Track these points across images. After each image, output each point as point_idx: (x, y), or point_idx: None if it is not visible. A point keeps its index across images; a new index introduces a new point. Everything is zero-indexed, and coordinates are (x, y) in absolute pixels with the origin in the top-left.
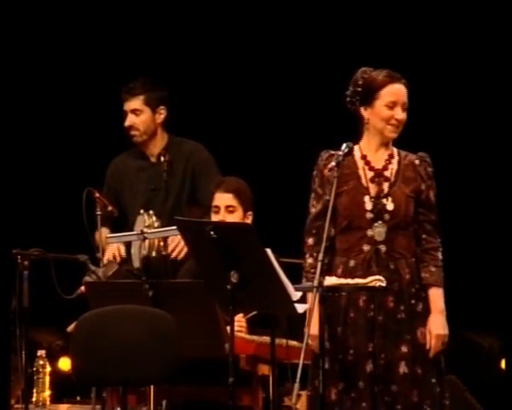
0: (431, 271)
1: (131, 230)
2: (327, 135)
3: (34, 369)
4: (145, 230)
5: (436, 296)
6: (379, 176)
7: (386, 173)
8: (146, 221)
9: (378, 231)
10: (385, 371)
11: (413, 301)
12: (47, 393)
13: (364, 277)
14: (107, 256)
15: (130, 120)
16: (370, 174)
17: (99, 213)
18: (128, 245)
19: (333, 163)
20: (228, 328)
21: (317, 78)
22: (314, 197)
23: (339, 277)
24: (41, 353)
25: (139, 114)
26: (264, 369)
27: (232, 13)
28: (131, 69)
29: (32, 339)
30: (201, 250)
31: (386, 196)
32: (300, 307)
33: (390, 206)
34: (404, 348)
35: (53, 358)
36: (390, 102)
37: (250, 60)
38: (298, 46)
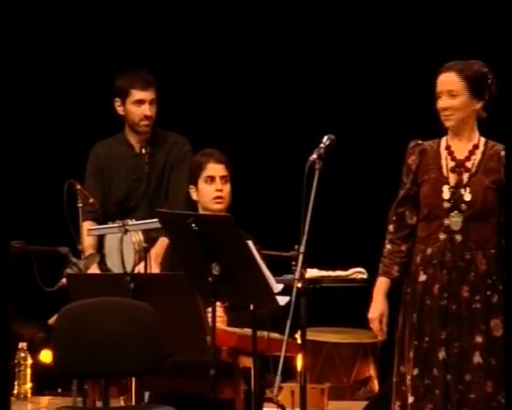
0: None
1: (108, 217)
2: (310, 130)
3: (15, 361)
4: (128, 221)
5: None
6: (460, 166)
7: (468, 164)
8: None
9: (454, 220)
10: (459, 360)
11: (489, 293)
12: (28, 385)
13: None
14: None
15: (151, 110)
16: (452, 164)
17: (80, 205)
18: (100, 242)
19: (314, 155)
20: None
21: (304, 74)
22: (401, 185)
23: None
24: (22, 345)
25: (154, 105)
26: (246, 361)
27: (219, 9)
28: (112, 61)
29: (14, 332)
30: (183, 242)
31: (464, 187)
32: (282, 300)
33: (467, 196)
34: (478, 339)
35: (34, 350)
36: (437, 92)
37: (237, 53)
38: (288, 44)
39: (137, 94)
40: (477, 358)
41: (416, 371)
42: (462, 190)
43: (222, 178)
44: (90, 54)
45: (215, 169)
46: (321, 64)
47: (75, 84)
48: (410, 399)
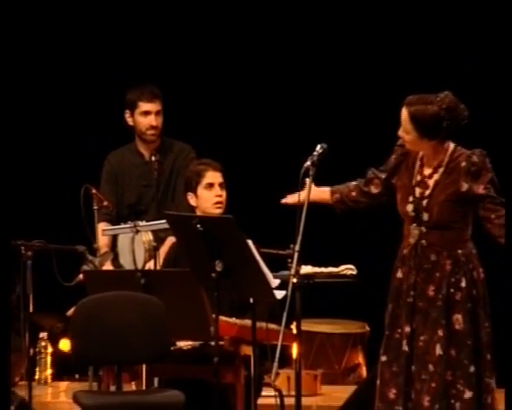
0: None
1: (121, 219)
2: (305, 138)
3: (37, 350)
4: (138, 223)
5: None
6: (423, 182)
7: (429, 182)
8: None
9: (413, 232)
10: (423, 352)
11: (452, 290)
12: (48, 371)
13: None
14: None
15: (157, 120)
16: (418, 178)
17: (95, 207)
18: (114, 241)
19: (308, 162)
20: None
21: (300, 88)
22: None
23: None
24: (43, 335)
25: (160, 116)
26: (246, 350)
27: (217, 29)
28: (124, 75)
29: (35, 323)
30: (189, 241)
31: (424, 200)
32: (279, 294)
33: (425, 214)
34: (440, 332)
35: (54, 340)
36: None
37: (237, 68)
38: (286, 59)
39: (144, 106)
40: (438, 350)
41: (384, 358)
42: (423, 203)
43: (220, 184)
44: (107, 72)
45: (214, 177)
46: (316, 79)
47: (93, 101)
48: (377, 382)
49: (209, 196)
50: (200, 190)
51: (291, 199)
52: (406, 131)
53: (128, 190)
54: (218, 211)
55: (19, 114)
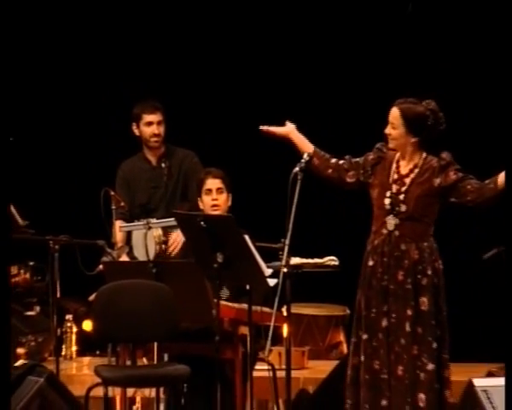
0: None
1: (133, 217)
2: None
3: (63, 329)
4: (150, 220)
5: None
6: (400, 179)
7: (406, 180)
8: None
9: (390, 222)
10: (396, 328)
11: (419, 277)
12: (73, 348)
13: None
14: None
15: (158, 129)
16: (395, 177)
17: (113, 207)
18: (128, 236)
19: (297, 168)
20: None
21: (291, 104)
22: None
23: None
24: (68, 317)
25: (162, 125)
26: (243, 329)
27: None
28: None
29: (62, 306)
30: (194, 237)
31: (401, 195)
32: (271, 282)
33: (403, 203)
34: (409, 312)
35: (78, 321)
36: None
37: (236, 83)
38: (282, 74)
39: (147, 117)
40: (407, 327)
41: (365, 336)
42: (400, 198)
43: (217, 190)
44: (122, 93)
45: (212, 183)
46: (306, 92)
47: (113, 117)
48: (362, 358)
49: (207, 200)
50: (203, 195)
51: (271, 129)
52: (394, 127)
53: (139, 192)
54: (215, 213)
55: (52, 129)
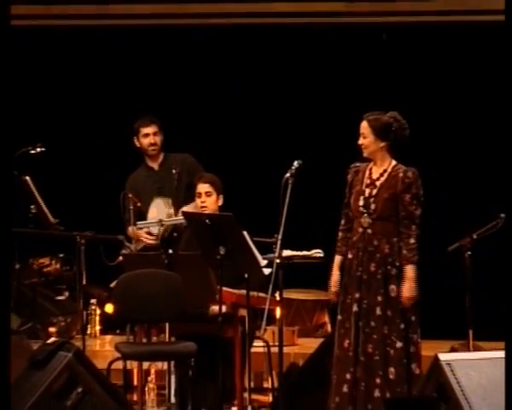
0: (403, 253)
1: (145, 216)
2: (286, 156)
3: (88, 312)
4: (163, 218)
5: (407, 269)
6: (372, 184)
7: (377, 183)
8: (163, 206)
9: (364, 220)
10: (367, 312)
11: (389, 267)
12: (97, 328)
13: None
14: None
15: (154, 139)
16: (367, 182)
17: (131, 207)
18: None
19: (288, 174)
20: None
21: (285, 118)
22: (345, 193)
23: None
24: (93, 301)
25: (157, 135)
26: (242, 312)
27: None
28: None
29: (87, 292)
30: (200, 232)
31: (372, 198)
32: (266, 271)
33: (373, 205)
34: (379, 298)
35: (101, 304)
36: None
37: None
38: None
39: (144, 130)
40: (378, 311)
41: (339, 318)
42: (371, 200)
43: (206, 193)
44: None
45: (201, 187)
46: (296, 113)
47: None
48: (336, 336)
49: (198, 202)
50: (195, 197)
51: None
52: (365, 136)
53: (147, 196)
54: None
55: (80, 143)
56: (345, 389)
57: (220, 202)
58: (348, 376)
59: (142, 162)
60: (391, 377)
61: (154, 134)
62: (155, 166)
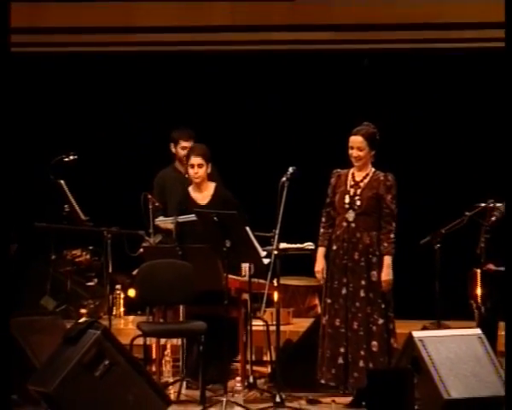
0: (384, 245)
1: (170, 213)
2: (283, 163)
3: (114, 296)
4: (177, 217)
5: (386, 259)
6: (356, 185)
7: (361, 184)
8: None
9: (350, 215)
10: (353, 295)
11: (370, 256)
12: (121, 309)
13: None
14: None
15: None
16: (352, 183)
17: (150, 207)
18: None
19: (284, 179)
20: None
21: (282, 129)
22: (327, 197)
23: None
24: (118, 286)
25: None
26: (245, 296)
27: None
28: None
29: (113, 279)
30: (209, 227)
31: (357, 196)
32: (265, 260)
33: (358, 202)
34: (362, 282)
35: (125, 289)
36: (350, 146)
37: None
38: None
39: (183, 143)
40: (362, 293)
41: (329, 301)
42: (356, 198)
43: (198, 165)
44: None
45: (195, 160)
46: (291, 128)
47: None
48: (326, 316)
49: (191, 172)
50: (188, 167)
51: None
52: (361, 149)
53: (173, 195)
54: (197, 181)
55: (108, 150)
56: (340, 360)
57: (209, 170)
58: (342, 349)
59: (171, 164)
60: (374, 349)
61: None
62: (183, 170)
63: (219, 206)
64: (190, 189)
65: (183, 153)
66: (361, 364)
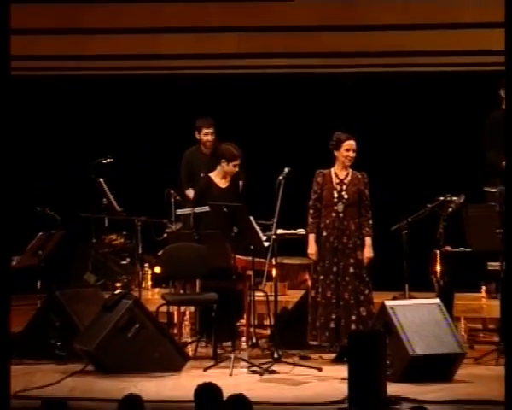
0: (366, 230)
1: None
2: (281, 163)
3: (143, 272)
4: (194, 209)
5: (368, 240)
6: (341, 182)
7: (345, 181)
8: None
9: (340, 206)
10: (343, 271)
11: (355, 239)
12: (149, 283)
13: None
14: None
15: (212, 137)
16: (337, 181)
17: (172, 200)
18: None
19: (280, 177)
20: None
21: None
22: (313, 192)
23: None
24: (146, 264)
25: (213, 135)
26: (250, 272)
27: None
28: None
29: (142, 258)
30: (220, 216)
31: (344, 191)
32: (266, 243)
33: (345, 196)
34: (351, 260)
35: (152, 267)
36: (346, 149)
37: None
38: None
39: (205, 130)
40: (351, 269)
41: (321, 277)
42: (343, 193)
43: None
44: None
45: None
46: (285, 137)
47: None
48: (320, 289)
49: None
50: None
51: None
52: (355, 151)
53: (197, 174)
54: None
55: (138, 152)
56: (332, 325)
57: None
58: (333, 316)
59: (197, 145)
60: (363, 314)
61: (212, 134)
62: (207, 153)
63: (235, 187)
64: (213, 174)
65: (205, 138)
66: (353, 327)
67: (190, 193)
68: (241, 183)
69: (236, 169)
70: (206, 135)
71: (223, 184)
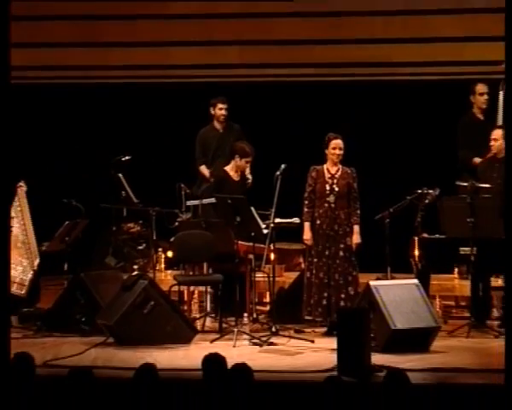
0: (354, 218)
1: (208, 163)
2: (279, 161)
3: (157, 256)
4: (202, 200)
5: (356, 228)
6: (332, 176)
7: (336, 175)
8: None
9: (331, 198)
10: (334, 255)
11: (345, 227)
12: (162, 266)
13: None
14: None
15: (225, 113)
16: (329, 175)
17: (183, 192)
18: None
19: (277, 173)
20: None
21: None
22: (307, 185)
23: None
24: (160, 249)
25: (226, 110)
26: (251, 256)
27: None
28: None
29: (156, 243)
30: (225, 207)
31: (335, 184)
32: (265, 231)
33: (336, 188)
34: (341, 245)
35: (165, 251)
36: (333, 147)
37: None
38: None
39: (219, 105)
40: (341, 253)
41: (315, 260)
42: (334, 186)
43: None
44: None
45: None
46: (283, 136)
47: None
48: (314, 271)
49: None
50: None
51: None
52: (342, 149)
53: (211, 147)
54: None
55: (152, 150)
56: (324, 302)
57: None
58: (325, 294)
59: (210, 123)
60: (351, 293)
61: (225, 110)
62: (220, 128)
63: (243, 181)
64: (228, 168)
65: (219, 113)
66: (342, 304)
67: (204, 170)
68: (250, 177)
69: (248, 165)
70: (221, 110)
71: (236, 177)
